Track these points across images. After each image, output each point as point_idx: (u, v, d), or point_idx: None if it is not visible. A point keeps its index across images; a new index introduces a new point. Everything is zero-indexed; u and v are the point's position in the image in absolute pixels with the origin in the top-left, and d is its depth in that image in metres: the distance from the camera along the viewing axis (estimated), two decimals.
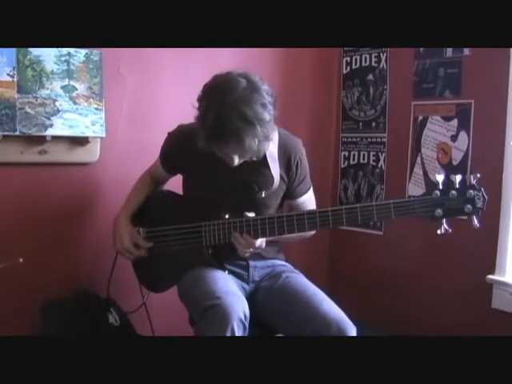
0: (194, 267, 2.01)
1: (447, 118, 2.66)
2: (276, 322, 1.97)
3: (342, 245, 3.19)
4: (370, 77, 3.00)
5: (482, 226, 1.70)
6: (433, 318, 2.70)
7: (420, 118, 2.77)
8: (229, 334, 1.70)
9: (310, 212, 1.85)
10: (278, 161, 1.98)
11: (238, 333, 1.72)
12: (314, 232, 2.11)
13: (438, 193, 1.68)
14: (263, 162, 1.94)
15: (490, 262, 2.52)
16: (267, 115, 1.73)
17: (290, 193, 2.07)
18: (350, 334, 1.78)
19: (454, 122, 2.63)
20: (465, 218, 1.72)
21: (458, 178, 1.67)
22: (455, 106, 2.62)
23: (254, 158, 1.87)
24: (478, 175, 1.66)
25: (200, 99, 1.77)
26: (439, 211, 1.68)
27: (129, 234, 2.09)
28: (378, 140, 2.99)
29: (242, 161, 1.84)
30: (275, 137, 1.95)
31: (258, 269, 2.08)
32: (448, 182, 1.68)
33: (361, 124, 3.08)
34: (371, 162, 3.03)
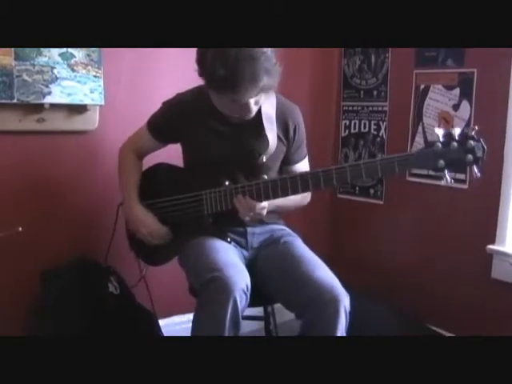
0: (196, 237, 2.00)
1: (449, 87, 2.64)
2: (273, 288, 1.96)
3: (342, 214, 3.20)
4: None
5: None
6: (432, 287, 2.72)
7: (422, 86, 2.75)
8: (231, 306, 1.70)
9: (314, 172, 1.84)
10: (275, 124, 1.98)
11: (241, 304, 1.72)
12: (309, 199, 2.12)
13: (439, 145, 1.70)
14: (260, 124, 1.95)
15: (490, 232, 2.52)
16: (268, 50, 1.75)
17: (288, 158, 2.07)
18: (343, 302, 1.77)
19: (456, 91, 2.61)
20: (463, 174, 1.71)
21: (458, 130, 1.70)
22: (457, 74, 2.60)
23: (264, 97, 1.86)
24: (476, 127, 1.69)
25: (200, 58, 1.77)
26: (441, 162, 1.70)
27: (151, 218, 2.06)
28: (379, 109, 2.97)
29: (256, 108, 1.86)
30: (273, 101, 1.98)
31: (256, 235, 2.08)
32: (448, 135, 1.70)
33: (362, 92, 3.05)
34: (372, 130, 3.01)
